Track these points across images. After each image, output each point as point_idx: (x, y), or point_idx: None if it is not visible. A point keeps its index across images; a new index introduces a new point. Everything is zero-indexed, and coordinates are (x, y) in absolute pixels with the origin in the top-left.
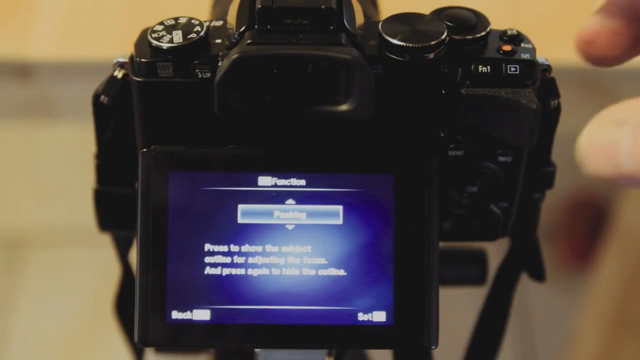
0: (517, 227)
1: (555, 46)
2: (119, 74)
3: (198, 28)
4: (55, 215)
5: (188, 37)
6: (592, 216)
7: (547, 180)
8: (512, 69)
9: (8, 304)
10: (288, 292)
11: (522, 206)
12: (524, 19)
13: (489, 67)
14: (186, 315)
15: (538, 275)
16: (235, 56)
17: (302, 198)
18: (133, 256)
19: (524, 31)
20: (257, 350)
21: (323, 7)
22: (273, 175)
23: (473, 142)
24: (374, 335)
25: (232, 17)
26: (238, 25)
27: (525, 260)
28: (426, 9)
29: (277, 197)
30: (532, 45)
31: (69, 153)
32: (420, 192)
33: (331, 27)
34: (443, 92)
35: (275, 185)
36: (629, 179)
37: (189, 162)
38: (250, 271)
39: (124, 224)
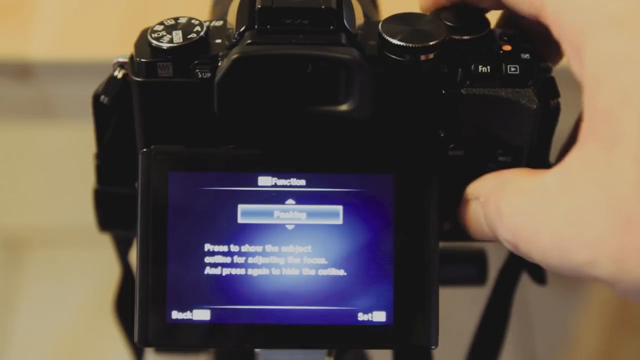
0: None
1: None
2: (119, 74)
3: (198, 28)
4: (55, 215)
5: (188, 37)
6: None
7: None
8: (512, 69)
9: (8, 304)
10: (288, 292)
11: None
12: None
13: (489, 67)
14: (186, 315)
15: (539, 278)
16: (235, 56)
17: (302, 198)
18: (133, 256)
19: None
20: (257, 350)
21: (323, 7)
22: (273, 175)
23: (473, 142)
24: (374, 335)
25: (232, 17)
26: (238, 25)
27: (526, 262)
28: None
29: (277, 197)
30: (532, 45)
31: (69, 153)
32: (420, 192)
33: (331, 27)
34: (443, 92)
35: (275, 185)
36: (502, 241)
37: (189, 162)
38: (250, 271)
39: (124, 224)
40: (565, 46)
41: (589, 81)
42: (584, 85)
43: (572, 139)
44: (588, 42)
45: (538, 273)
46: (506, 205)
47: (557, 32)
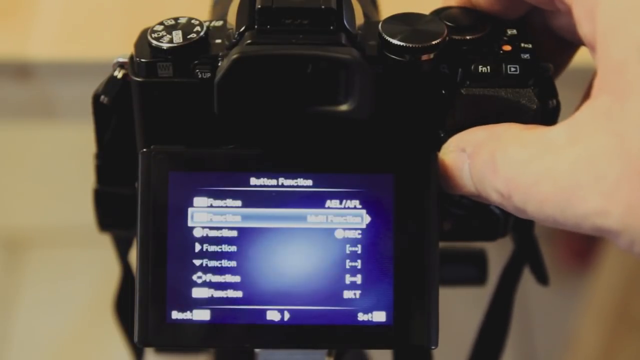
0: (517, 227)
1: None
2: (119, 74)
3: (198, 28)
4: (55, 215)
5: (188, 37)
6: None
7: None
8: (512, 69)
9: (8, 304)
10: (288, 292)
11: None
12: None
13: (489, 67)
14: (186, 315)
15: (543, 278)
16: (235, 56)
17: (302, 198)
18: (133, 256)
19: None
20: (257, 350)
21: (323, 7)
22: (273, 176)
23: None
24: (374, 335)
25: (232, 17)
26: (238, 25)
27: (531, 262)
28: (426, 9)
29: (276, 197)
30: (532, 45)
31: (69, 153)
32: (420, 192)
33: (331, 27)
34: (443, 92)
35: (275, 186)
36: (473, 196)
37: (189, 162)
38: (250, 271)
39: (124, 224)
40: (577, 9)
41: (602, 36)
42: (597, 42)
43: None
44: None
45: (542, 273)
46: (501, 155)
47: None
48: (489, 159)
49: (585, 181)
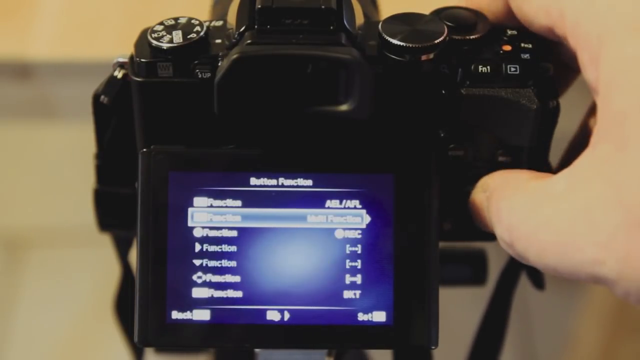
0: None
1: None
2: (119, 74)
3: (198, 28)
4: (55, 215)
5: (188, 37)
6: None
7: None
8: (512, 69)
9: (8, 304)
10: (288, 292)
11: None
12: None
13: (489, 67)
14: (186, 315)
15: (539, 283)
16: (235, 56)
17: (302, 198)
18: (133, 256)
19: None
20: (257, 350)
21: (323, 7)
22: (273, 176)
23: (473, 142)
24: (374, 335)
25: (232, 17)
26: (238, 25)
27: (527, 266)
28: (426, 9)
29: (276, 197)
30: (532, 45)
31: (69, 153)
32: (420, 192)
33: (331, 27)
34: (443, 92)
35: (275, 186)
36: (498, 239)
37: (189, 162)
38: (250, 271)
39: (124, 224)
40: (582, 54)
41: (604, 85)
42: (599, 90)
43: (575, 144)
44: (605, 47)
45: (537, 278)
46: (505, 203)
47: (574, 40)
48: (495, 206)
49: (581, 230)
